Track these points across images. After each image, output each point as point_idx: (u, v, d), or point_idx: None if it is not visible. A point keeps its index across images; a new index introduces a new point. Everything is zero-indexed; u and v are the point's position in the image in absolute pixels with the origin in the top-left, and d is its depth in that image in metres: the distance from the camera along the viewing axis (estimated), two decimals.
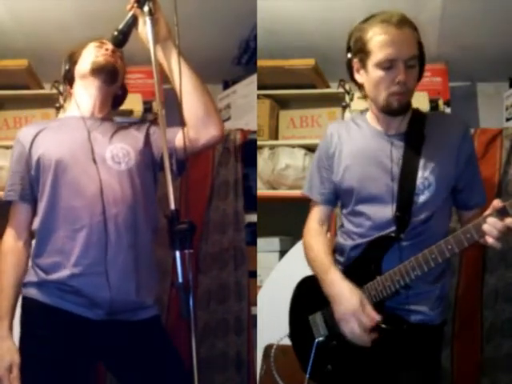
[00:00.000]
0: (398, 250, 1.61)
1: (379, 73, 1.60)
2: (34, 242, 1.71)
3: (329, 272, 1.68)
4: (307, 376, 1.68)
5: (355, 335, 1.59)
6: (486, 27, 2.49)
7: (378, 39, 1.59)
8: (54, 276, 1.62)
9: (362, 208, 1.70)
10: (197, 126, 1.65)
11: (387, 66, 1.58)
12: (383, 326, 1.60)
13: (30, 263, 1.71)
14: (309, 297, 1.78)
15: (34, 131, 1.74)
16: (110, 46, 1.75)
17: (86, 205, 1.62)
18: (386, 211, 1.65)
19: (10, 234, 1.73)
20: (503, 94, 2.85)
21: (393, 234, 1.63)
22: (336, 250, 1.81)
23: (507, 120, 2.78)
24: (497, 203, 1.44)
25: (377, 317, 1.58)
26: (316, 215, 1.84)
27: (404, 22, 1.59)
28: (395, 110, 1.64)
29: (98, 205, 1.62)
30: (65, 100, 1.89)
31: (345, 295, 1.62)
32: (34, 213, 1.72)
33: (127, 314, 1.66)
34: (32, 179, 1.71)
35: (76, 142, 1.69)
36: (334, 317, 1.65)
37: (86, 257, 1.61)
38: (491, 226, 1.43)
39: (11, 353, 1.60)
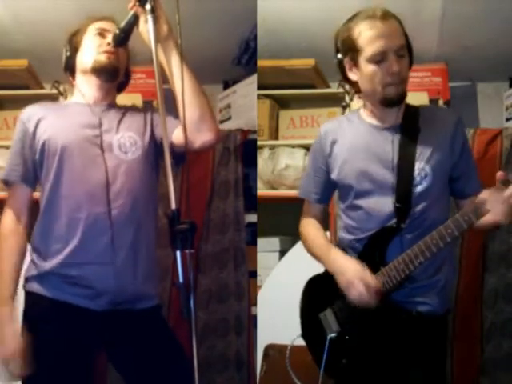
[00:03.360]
0: (400, 243, 1.64)
1: (372, 67, 1.63)
2: (35, 229, 1.69)
3: (330, 251, 1.74)
4: (321, 371, 1.70)
5: (363, 297, 1.61)
6: (486, 27, 2.49)
7: (366, 35, 1.62)
8: (56, 264, 1.61)
9: (360, 202, 1.71)
10: (191, 130, 1.63)
11: (379, 59, 1.62)
12: (392, 316, 1.63)
13: (29, 256, 1.70)
14: (318, 295, 1.81)
15: (39, 114, 1.71)
16: (110, 39, 1.72)
17: (91, 194, 1.62)
18: (385, 204, 1.66)
19: (9, 216, 1.70)
20: (503, 93, 2.85)
21: (394, 225, 1.64)
22: (338, 245, 1.81)
23: (507, 120, 2.79)
24: (500, 175, 1.46)
25: (377, 283, 1.61)
26: (310, 213, 1.89)
27: (388, 15, 1.63)
28: (393, 100, 1.66)
29: (104, 194, 1.62)
30: (65, 97, 1.87)
31: (348, 264, 1.66)
32: (32, 196, 1.71)
33: (129, 304, 1.66)
34: (36, 163, 1.69)
35: (83, 128, 1.68)
36: (340, 287, 1.67)
37: (92, 247, 1.61)
38: (493, 201, 1.45)
39: (16, 337, 1.59)
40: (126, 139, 1.70)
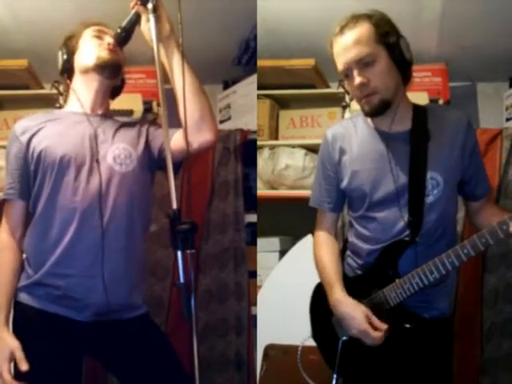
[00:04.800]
0: (413, 253, 1.62)
1: (346, 82, 1.66)
2: (26, 239, 1.69)
3: (333, 289, 1.71)
4: (335, 375, 1.70)
5: (373, 344, 1.62)
6: (485, 27, 2.49)
7: (333, 53, 1.64)
8: (45, 274, 1.61)
9: (373, 214, 1.69)
10: (191, 130, 1.62)
11: (346, 74, 1.62)
12: (407, 325, 1.63)
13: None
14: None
15: (34, 128, 1.70)
16: (110, 40, 1.72)
17: (84, 206, 1.61)
18: (397, 216, 1.65)
19: (5, 230, 1.70)
20: (503, 93, 2.85)
21: (407, 238, 1.63)
22: (352, 251, 1.80)
23: (507, 120, 2.78)
24: None
25: (383, 327, 1.60)
26: (324, 224, 1.85)
27: (349, 25, 1.59)
28: (369, 112, 1.63)
29: (97, 207, 1.61)
30: (65, 97, 1.86)
31: (349, 315, 1.65)
32: (28, 208, 1.70)
33: (116, 314, 1.66)
34: (30, 175, 1.68)
35: (80, 139, 1.67)
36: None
37: (80, 258, 1.61)
38: None
39: (8, 342, 1.59)
40: (120, 151, 1.69)
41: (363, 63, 1.57)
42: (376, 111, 1.62)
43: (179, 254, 1.34)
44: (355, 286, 1.72)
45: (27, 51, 2.69)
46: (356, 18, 1.60)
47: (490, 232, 1.49)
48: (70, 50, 1.77)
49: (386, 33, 1.59)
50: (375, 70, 1.57)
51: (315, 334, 1.85)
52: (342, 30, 1.60)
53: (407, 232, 1.63)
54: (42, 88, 2.86)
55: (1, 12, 2.48)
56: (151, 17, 1.54)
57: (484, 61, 2.74)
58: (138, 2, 1.58)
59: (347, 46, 1.58)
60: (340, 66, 1.62)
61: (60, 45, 1.81)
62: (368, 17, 1.60)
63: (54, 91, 2.56)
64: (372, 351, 1.65)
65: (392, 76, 1.60)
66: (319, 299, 1.81)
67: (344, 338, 1.69)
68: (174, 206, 1.38)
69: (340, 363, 1.70)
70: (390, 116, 1.64)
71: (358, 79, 1.58)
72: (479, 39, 2.58)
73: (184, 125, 1.60)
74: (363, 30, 1.58)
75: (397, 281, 1.63)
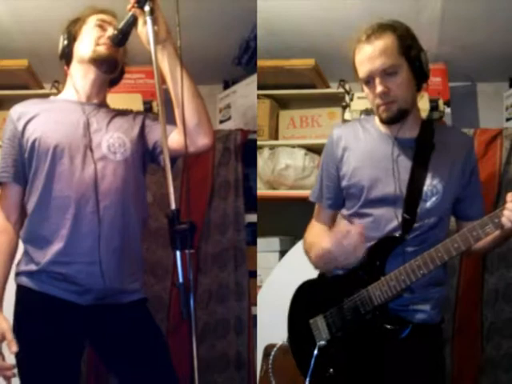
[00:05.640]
0: (402, 256, 1.62)
1: (365, 89, 1.68)
2: (25, 227, 1.71)
3: (314, 247, 1.71)
4: (307, 381, 1.67)
5: (349, 246, 1.58)
6: (485, 27, 2.49)
7: (356, 59, 1.67)
8: (45, 263, 1.63)
9: (368, 210, 1.70)
10: (188, 134, 1.64)
11: (367, 81, 1.65)
12: (388, 326, 1.61)
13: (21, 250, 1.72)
14: (309, 300, 1.79)
15: (30, 113, 1.72)
16: (111, 32, 1.72)
17: (80, 194, 1.63)
18: (391, 214, 1.66)
19: (0, 214, 1.72)
20: (503, 93, 2.85)
21: (397, 236, 1.64)
22: None
23: (507, 120, 2.79)
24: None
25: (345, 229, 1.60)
26: (320, 217, 1.88)
27: (375, 35, 1.62)
28: (386, 120, 1.67)
29: (92, 194, 1.64)
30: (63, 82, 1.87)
31: (322, 245, 1.63)
32: (24, 194, 1.72)
33: (114, 298, 1.69)
34: (24, 161, 1.70)
35: (74, 128, 1.69)
36: (328, 264, 1.65)
37: (80, 246, 1.63)
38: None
39: (0, 324, 1.61)
40: (115, 140, 1.71)
41: (386, 73, 1.61)
42: (393, 119, 1.66)
43: (178, 253, 1.35)
44: (341, 285, 1.71)
45: (27, 51, 2.69)
46: (382, 29, 1.63)
47: (481, 225, 1.50)
48: (72, 35, 1.79)
49: (409, 46, 1.64)
50: (396, 81, 1.62)
51: (291, 339, 1.83)
52: (368, 38, 1.63)
53: (399, 232, 1.64)
54: (41, 88, 2.86)
55: (1, 12, 2.48)
56: (148, 19, 1.54)
57: (484, 61, 2.74)
58: (135, 5, 1.59)
59: (372, 55, 1.62)
60: (362, 73, 1.65)
61: (63, 29, 1.81)
62: (393, 28, 1.64)
63: (54, 91, 2.57)
64: (349, 359, 1.65)
65: (411, 87, 1.66)
66: (299, 302, 1.82)
67: (321, 342, 1.68)
68: (173, 206, 1.38)
69: (314, 371, 1.66)
70: (400, 122, 1.68)
71: (379, 88, 1.62)
72: (479, 39, 2.58)
73: (183, 127, 1.60)
74: (388, 41, 1.62)
75: (382, 278, 1.63)
